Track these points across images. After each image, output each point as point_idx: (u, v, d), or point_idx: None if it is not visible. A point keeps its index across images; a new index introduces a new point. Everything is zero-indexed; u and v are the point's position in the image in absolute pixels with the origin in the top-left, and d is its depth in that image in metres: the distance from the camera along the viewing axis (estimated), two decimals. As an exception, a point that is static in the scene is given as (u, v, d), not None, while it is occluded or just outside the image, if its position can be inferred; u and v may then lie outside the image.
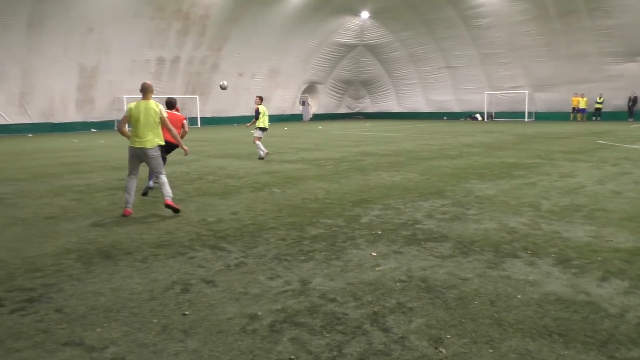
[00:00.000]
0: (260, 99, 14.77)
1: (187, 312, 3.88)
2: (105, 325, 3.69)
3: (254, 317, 3.76)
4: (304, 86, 45.34)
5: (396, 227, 6.37)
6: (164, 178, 7.58)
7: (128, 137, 7.49)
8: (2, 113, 29.45)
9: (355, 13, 40.10)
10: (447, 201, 7.93)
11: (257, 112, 14.47)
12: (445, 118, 43.22)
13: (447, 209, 7.37)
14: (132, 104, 7.51)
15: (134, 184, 7.52)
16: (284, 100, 44.10)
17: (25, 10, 26.63)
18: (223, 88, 15.21)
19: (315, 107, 47.81)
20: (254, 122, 14.58)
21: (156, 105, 7.51)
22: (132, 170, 7.51)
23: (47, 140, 24.07)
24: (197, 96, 36.88)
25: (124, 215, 7.35)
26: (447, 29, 38.41)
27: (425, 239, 5.77)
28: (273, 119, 42.75)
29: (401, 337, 3.41)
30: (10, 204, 8.46)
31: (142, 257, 5.30)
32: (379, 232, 6.12)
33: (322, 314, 3.81)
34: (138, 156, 7.45)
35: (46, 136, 27.86)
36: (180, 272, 4.82)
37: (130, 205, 7.46)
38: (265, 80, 40.93)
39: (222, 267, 4.93)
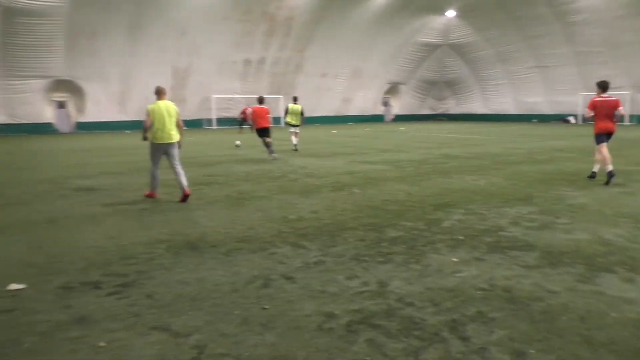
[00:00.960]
0: (294, 99, 18.09)
1: (266, 306, 3.98)
2: (190, 313, 3.88)
3: (331, 316, 3.80)
4: (386, 87, 45.04)
5: (479, 233, 6.16)
6: (180, 169, 8.62)
7: (145, 137, 8.71)
8: (104, 111, 31.87)
9: (440, 12, 39.22)
10: (535, 208, 7.54)
11: (286, 110, 17.75)
12: (534, 120, 41.15)
13: (535, 216, 7.01)
14: (152, 105, 8.56)
15: (159, 173, 8.68)
16: (366, 101, 44.07)
17: (126, 17, 28.63)
18: (237, 146, 18.58)
19: (397, 108, 47.32)
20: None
21: (173, 105, 8.74)
22: (158, 162, 8.64)
23: (142, 137, 25.69)
24: (281, 96, 37.77)
25: (149, 196, 8.68)
26: (539, 26, 36.52)
27: (510, 247, 5.53)
28: (354, 119, 43.03)
29: (481, 347, 3.29)
30: (110, 195, 9.13)
31: (226, 251, 5.51)
32: (461, 238, 5.95)
33: (399, 317, 3.77)
34: (164, 150, 8.54)
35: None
36: (261, 267, 4.97)
37: (156, 189, 8.72)
38: (348, 81, 41.11)
39: (302, 265, 5.02)
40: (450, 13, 39.34)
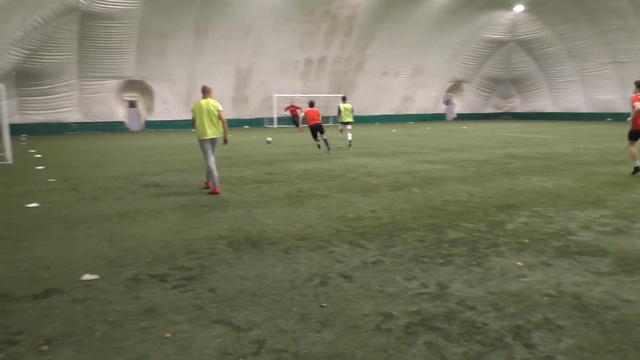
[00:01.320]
0: (343, 98, 19.39)
1: (324, 304, 4.00)
2: (251, 308, 3.96)
3: (389, 316, 3.76)
4: (449, 85, 44.04)
5: (545, 236, 5.90)
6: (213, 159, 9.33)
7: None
8: (170, 110, 33.13)
9: (508, 7, 37.86)
10: (608, 212, 7.13)
11: (339, 109, 18.50)
12: (608, 119, 38.91)
13: (608, 220, 6.63)
14: (195, 104, 9.16)
15: (213, 167, 9.13)
16: (427, 100, 43.30)
17: (193, 19, 29.61)
18: (268, 143, 19.91)
19: (459, 106, 46.18)
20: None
21: (215, 102, 9.11)
22: (207, 156, 9.13)
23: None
24: (341, 95, 37.79)
25: (212, 193, 9.05)
26: (615, 20, 34.45)
27: (580, 252, 5.26)
28: (415, 118, 42.40)
29: (547, 356, 3.15)
30: (176, 191, 9.48)
31: (285, 248, 5.59)
32: (526, 241, 5.72)
33: (459, 321, 3.68)
34: (211, 144, 9.13)
35: (206, 131, 30.68)
36: (319, 265, 5.00)
37: (217, 184, 9.13)
38: (409, 79, 40.56)
39: (360, 264, 5.00)
40: (519, 8, 37.89)
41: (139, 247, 5.72)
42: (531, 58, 42.82)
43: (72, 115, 30.45)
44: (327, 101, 37.34)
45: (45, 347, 3.35)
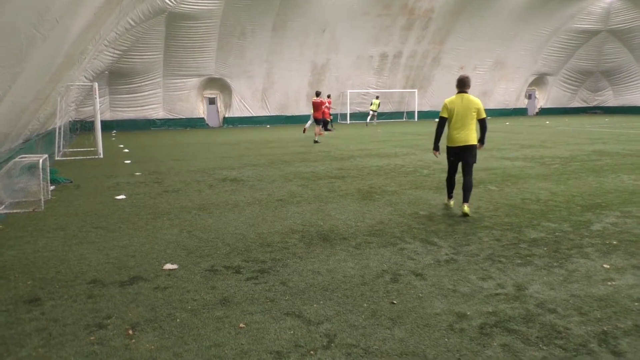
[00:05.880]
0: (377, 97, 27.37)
1: (395, 301, 3.96)
2: (321, 302, 3.99)
3: (462, 316, 3.66)
4: (532, 78, 41.90)
5: (638, 238, 5.48)
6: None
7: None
8: (248, 107, 34.08)
9: (602, -6, 35.38)
10: None
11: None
12: None
13: None
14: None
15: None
16: (508, 94, 41.48)
17: (271, 17, 30.21)
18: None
19: (543, 100, 43.85)
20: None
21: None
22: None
23: (281, 131, 27.00)
24: (415, 90, 37.14)
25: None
26: None
27: (677, 257, 4.83)
28: (494, 112, 40.82)
29: (637, 366, 2.93)
30: (251, 185, 9.76)
31: (356, 243, 5.58)
32: (614, 243, 5.35)
33: (539, 324, 3.50)
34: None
35: (280, 127, 31.27)
36: (390, 261, 4.95)
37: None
38: (488, 73, 39.03)
39: (432, 262, 4.90)
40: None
41: (215, 238, 5.94)
42: (626, 48, 39.76)
43: (157, 111, 32.11)
44: (401, 96, 36.82)
45: (130, 332, 3.56)
